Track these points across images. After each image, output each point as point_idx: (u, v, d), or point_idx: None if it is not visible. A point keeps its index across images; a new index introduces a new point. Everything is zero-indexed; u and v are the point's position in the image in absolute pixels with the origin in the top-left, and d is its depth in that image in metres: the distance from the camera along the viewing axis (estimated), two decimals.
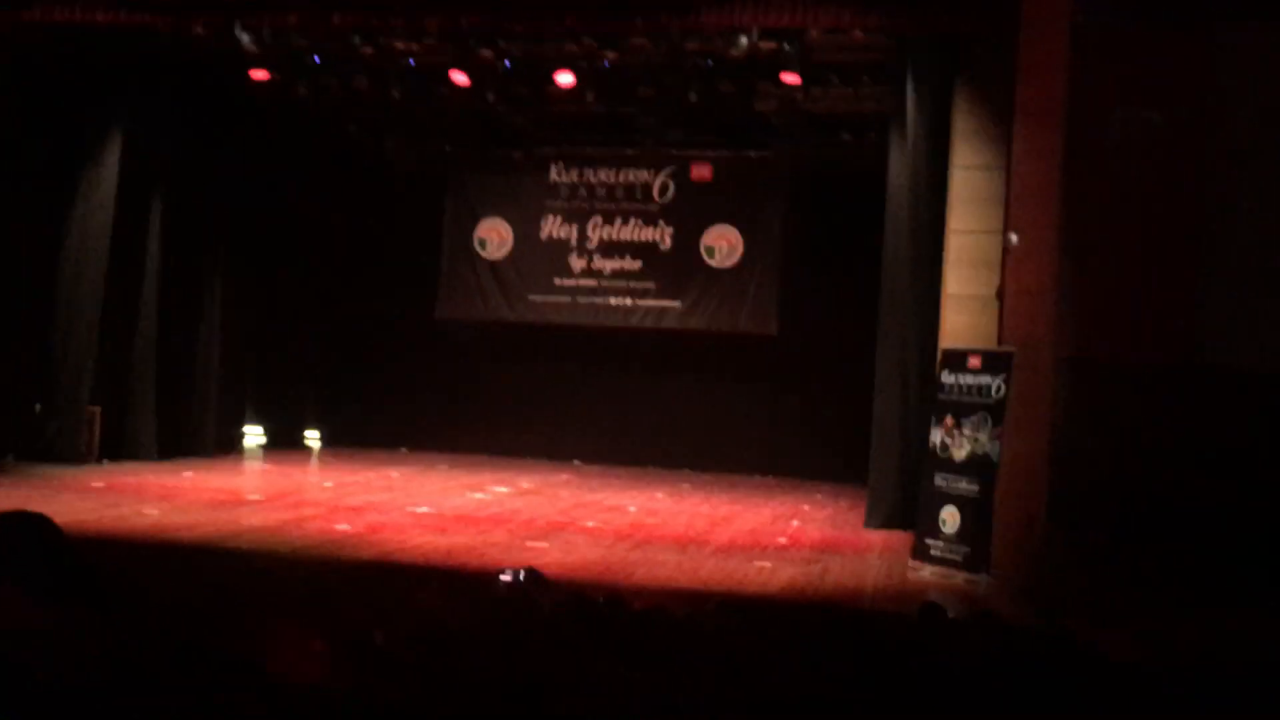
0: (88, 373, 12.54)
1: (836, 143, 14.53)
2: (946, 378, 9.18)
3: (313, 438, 16.86)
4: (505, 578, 5.87)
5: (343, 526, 9.33)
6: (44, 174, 12.51)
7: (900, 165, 11.22)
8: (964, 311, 9.76)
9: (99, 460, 12.62)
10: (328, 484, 12.33)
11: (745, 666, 3.96)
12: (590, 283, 16.15)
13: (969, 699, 2.86)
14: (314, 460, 15.40)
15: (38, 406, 12.54)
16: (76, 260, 12.60)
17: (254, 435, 16.03)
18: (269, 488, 11.94)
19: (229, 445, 14.90)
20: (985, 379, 8.82)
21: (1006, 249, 9.19)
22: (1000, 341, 9.20)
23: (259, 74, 13.39)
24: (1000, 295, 9.39)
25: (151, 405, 13.25)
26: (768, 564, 8.68)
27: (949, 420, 9.02)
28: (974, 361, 8.98)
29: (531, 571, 5.92)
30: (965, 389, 8.96)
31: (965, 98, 10.28)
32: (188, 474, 12.25)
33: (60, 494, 10.18)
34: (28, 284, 12.52)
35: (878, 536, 10.48)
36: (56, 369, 12.51)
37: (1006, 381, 8.64)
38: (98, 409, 12.72)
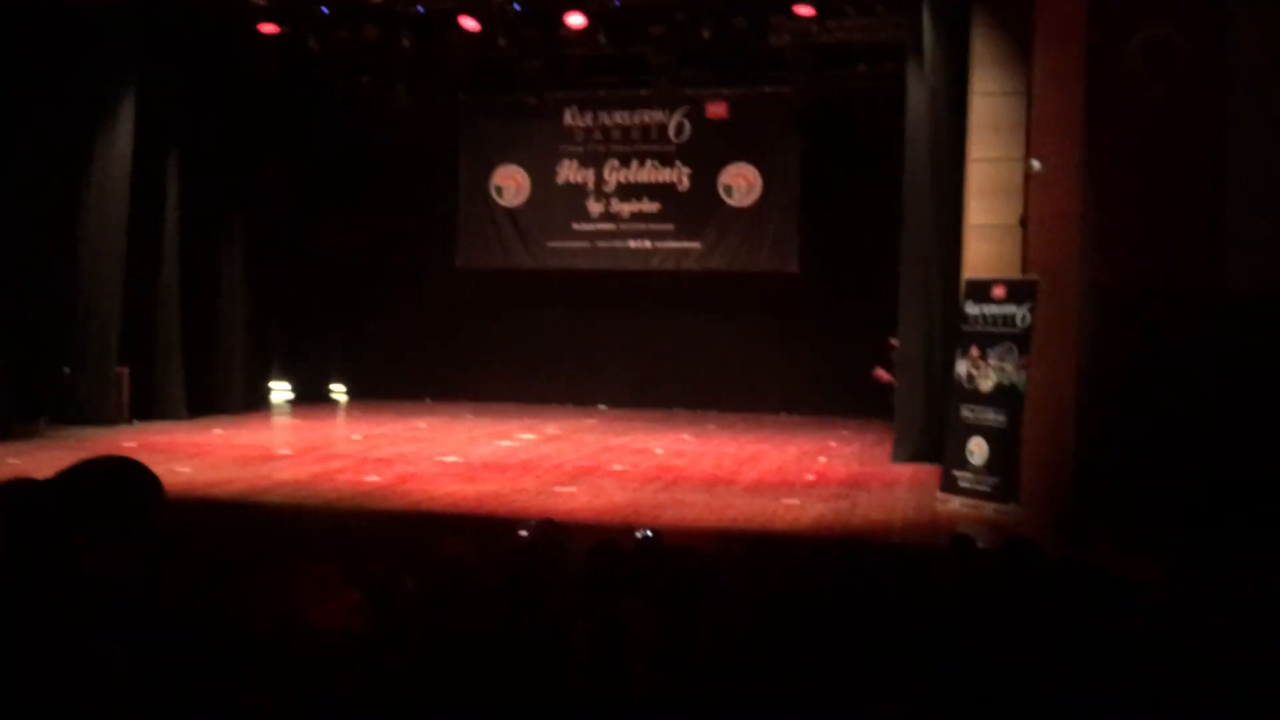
0: (114, 334, 12.63)
1: (853, 75, 14.31)
2: (971, 308, 9.11)
3: (339, 391, 16.96)
4: (524, 533, 5.89)
5: (372, 478, 9.40)
6: (60, 136, 12.52)
7: (919, 94, 11.07)
8: (987, 241, 9.67)
9: (129, 420, 12.75)
10: (356, 436, 12.42)
11: (776, 602, 3.98)
12: (609, 226, 16.08)
13: (1000, 629, 2.86)
14: (341, 413, 15.50)
15: (66, 369, 12.65)
16: (97, 222, 12.64)
17: (281, 391, 16.14)
18: (298, 442, 12.04)
19: (256, 401, 15.02)
20: (1010, 308, 8.75)
21: (1029, 176, 9.07)
22: (1024, 270, 9.12)
23: (268, 27, 13.29)
24: (1024, 223, 9.29)
25: (179, 364, 13.37)
26: (796, 501, 8.71)
27: (974, 351, 8.97)
28: (998, 291, 8.91)
29: (548, 525, 5.94)
30: (990, 319, 8.90)
31: (983, 23, 10.10)
32: (217, 431, 12.37)
33: (93, 454, 10.27)
34: (51, 247, 12.57)
35: (905, 470, 10.48)
36: (83, 331, 12.60)
37: (1031, 310, 8.58)
38: (126, 369, 12.83)
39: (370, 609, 3.84)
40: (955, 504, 8.83)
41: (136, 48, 12.66)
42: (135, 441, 11.30)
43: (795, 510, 8.35)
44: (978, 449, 8.83)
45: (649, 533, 4.94)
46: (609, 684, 2.76)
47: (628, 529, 6.83)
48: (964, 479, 8.92)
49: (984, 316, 8.96)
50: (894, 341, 9.11)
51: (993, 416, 8.76)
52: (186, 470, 9.54)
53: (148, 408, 13.05)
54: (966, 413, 8.99)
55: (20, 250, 12.39)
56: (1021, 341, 8.62)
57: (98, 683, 1.24)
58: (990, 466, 8.73)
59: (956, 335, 9.46)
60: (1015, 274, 9.14)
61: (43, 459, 9.95)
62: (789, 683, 2.98)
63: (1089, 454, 8.18)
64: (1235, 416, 7.85)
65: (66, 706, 1.22)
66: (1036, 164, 8.94)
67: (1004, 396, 8.68)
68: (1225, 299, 8.04)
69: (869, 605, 3.46)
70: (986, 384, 8.85)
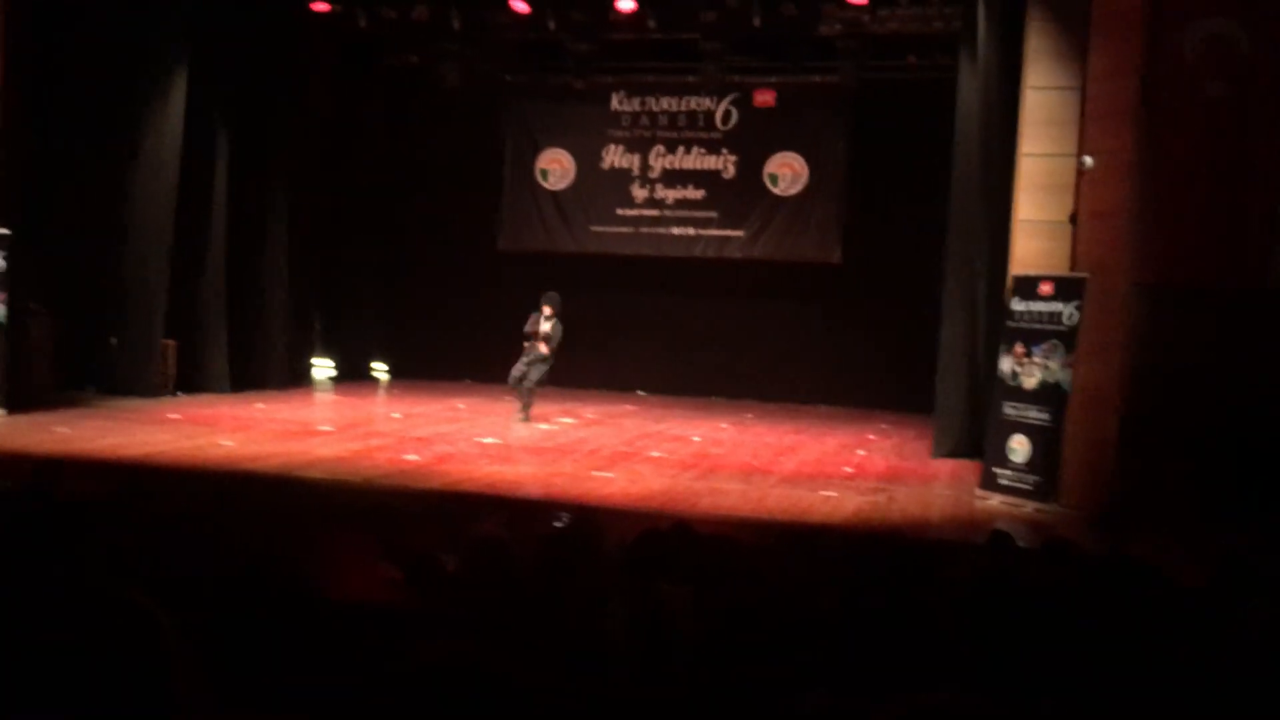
0: (161, 306, 12.76)
1: (903, 66, 14.21)
2: (1017, 304, 9.02)
3: (380, 369, 17.07)
4: (559, 524, 5.92)
5: (411, 457, 9.46)
6: (111, 107, 12.65)
7: (970, 87, 10.94)
8: (1035, 237, 9.55)
9: (173, 392, 12.90)
10: (396, 415, 12.50)
11: (809, 593, 3.97)
12: (653, 212, 16.05)
13: (1038, 627, 2.83)
14: (381, 392, 15.61)
15: (113, 340, 12.82)
16: (146, 195, 12.76)
17: (323, 367, 16.27)
18: (339, 419, 12.13)
19: (298, 378, 15.15)
20: (1057, 305, 8.65)
21: (1080, 172, 8.95)
22: (1073, 267, 9.01)
23: (319, 5, 13.35)
24: (1074, 219, 9.18)
25: (223, 338, 13.50)
26: (833, 493, 8.67)
27: (1019, 348, 8.88)
28: (1045, 288, 8.81)
29: (584, 516, 5.97)
30: (1036, 316, 8.80)
31: (1039, 16, 9.95)
32: (259, 406, 12.49)
33: (139, 425, 10.43)
34: (101, 219, 12.73)
35: (944, 466, 10.41)
36: (131, 303, 12.74)
37: (1079, 308, 8.47)
38: (172, 342, 12.97)
39: (407, 585, 3.87)
40: (995, 501, 8.75)
41: (189, 23, 12.76)
42: (179, 414, 11.43)
43: (832, 502, 8.31)
44: (1019, 446, 8.75)
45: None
46: (647, 669, 2.76)
47: (664, 515, 6.83)
48: (1004, 476, 8.84)
49: (1030, 313, 8.86)
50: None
51: (1036, 414, 8.67)
52: (229, 443, 9.65)
53: (191, 380, 13.20)
54: (1009, 410, 8.90)
55: (70, 222, 12.57)
56: (1068, 339, 8.51)
57: (147, 653, 1.25)
58: (1032, 464, 8.64)
59: (1001, 331, 9.37)
60: (1064, 271, 9.02)
61: (90, 428, 10.10)
62: (823, 671, 2.97)
63: (1133, 453, 8.09)
64: None
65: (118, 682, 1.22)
66: (1089, 160, 8.82)
67: (1048, 394, 8.59)
68: (1274, 296, 7.91)
69: (905, 596, 3.44)
70: (1031, 381, 8.75)
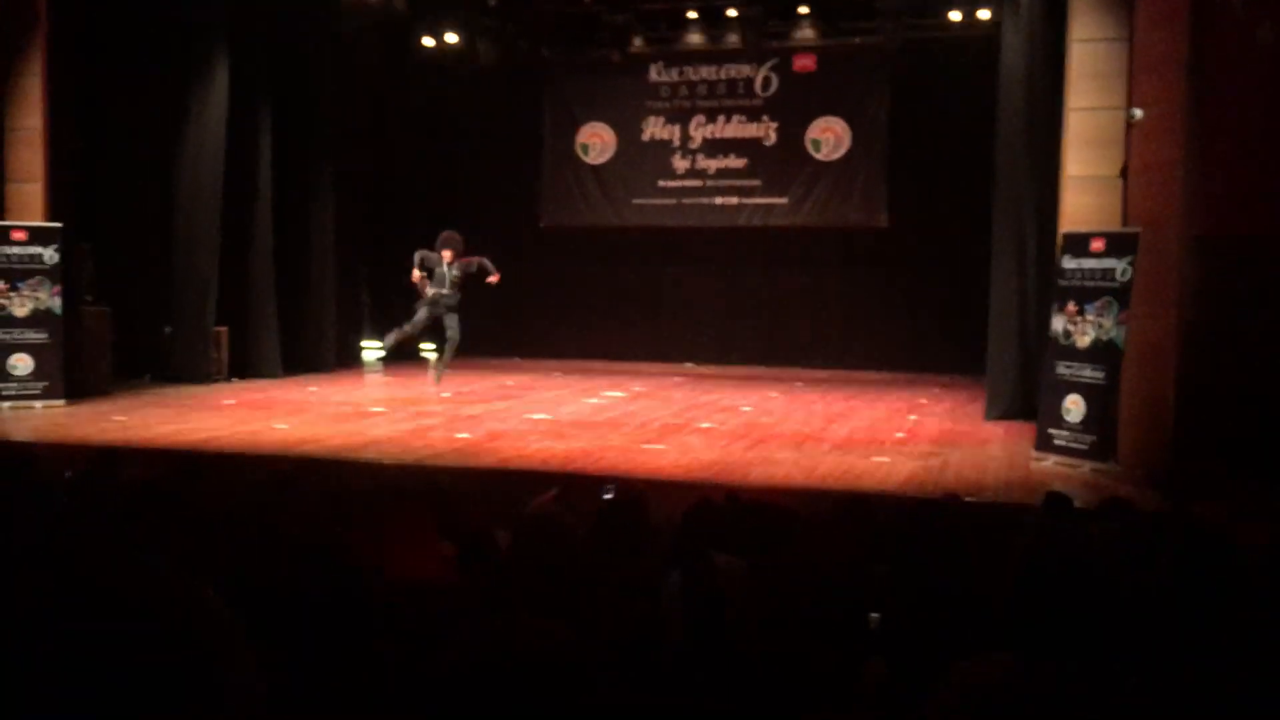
0: (212, 294, 12.92)
1: (944, 24, 13.98)
2: (1068, 262, 8.88)
3: (428, 350, 17.17)
4: (608, 496, 5.93)
5: (463, 435, 9.52)
6: (153, 95, 12.76)
7: (1014, 42, 10.76)
8: (1085, 193, 9.38)
9: (227, 379, 13.08)
10: (446, 394, 12.57)
11: (864, 562, 3.95)
12: (695, 183, 15.97)
13: (1097, 589, 2.79)
14: (431, 371, 15.70)
15: (167, 329, 13.00)
16: (193, 181, 12.88)
17: (372, 349, 16.40)
18: (390, 400, 12.24)
19: (349, 360, 15.30)
20: (1110, 262, 8.51)
21: (1130, 125, 8.77)
22: (1125, 223, 8.85)
23: None
24: (1124, 174, 9.01)
25: (274, 323, 13.65)
26: (886, 459, 8.61)
27: (1071, 306, 8.75)
28: (1097, 244, 8.66)
29: (629, 487, 5.99)
30: (1088, 273, 8.66)
31: None
32: (312, 389, 12.62)
33: (195, 412, 10.59)
34: (150, 209, 12.89)
35: (998, 428, 10.30)
36: (182, 291, 12.91)
37: (1132, 264, 8.33)
38: (224, 329, 13.14)
39: (463, 562, 3.90)
40: (1050, 462, 8.65)
41: (229, 5, 12.81)
42: (234, 399, 11.59)
43: (885, 468, 8.26)
44: (1074, 406, 8.63)
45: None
46: (704, 640, 2.76)
47: (716, 486, 6.83)
48: (1060, 437, 8.73)
49: (1082, 270, 8.72)
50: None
51: (1090, 373, 8.55)
52: (284, 426, 9.77)
53: (244, 366, 13.37)
54: (1063, 369, 8.78)
55: (121, 212, 12.74)
56: (1121, 296, 8.37)
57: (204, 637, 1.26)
58: (1087, 424, 8.53)
59: (1052, 290, 9.23)
60: (1115, 227, 8.86)
61: (147, 416, 10.27)
62: (880, 641, 2.95)
63: (1191, 411, 7.96)
64: None
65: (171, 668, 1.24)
66: (1138, 112, 8.64)
67: (1102, 352, 8.46)
68: None
69: (961, 562, 3.42)
70: (1084, 340, 8.63)
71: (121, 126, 12.65)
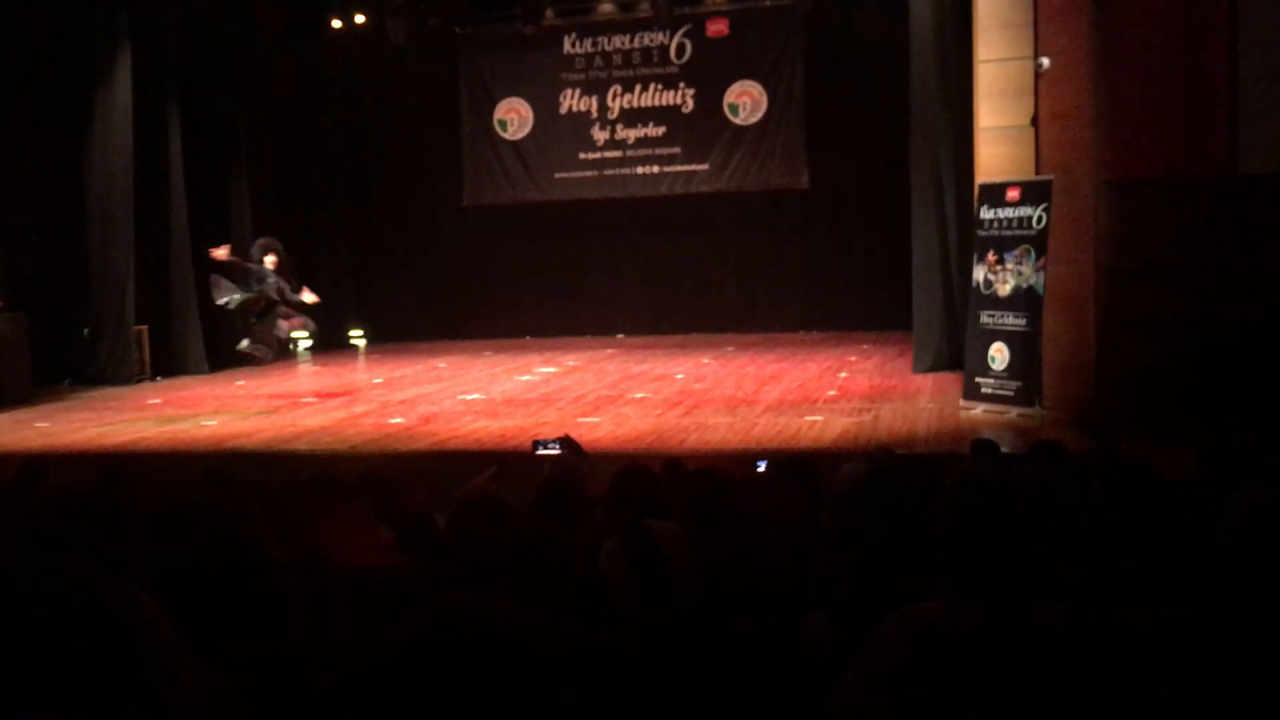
0: (129, 292, 12.62)
1: None
2: (985, 213, 9.02)
3: (357, 336, 17.00)
4: (544, 451, 5.93)
5: (396, 420, 9.45)
6: (59, 92, 12.40)
7: None
8: (999, 143, 9.52)
9: (152, 378, 12.82)
10: (377, 380, 12.47)
11: (801, 520, 4.00)
12: (615, 154, 15.94)
13: (1027, 530, 2.86)
14: (361, 358, 15.55)
15: (85, 331, 12.69)
16: (103, 180, 12.55)
17: (300, 338, 16.17)
18: (321, 389, 12.09)
19: (277, 351, 15.04)
20: (1025, 210, 8.66)
21: (1038, 74, 8.91)
22: (1038, 171, 9.00)
23: None
24: (1035, 123, 9.15)
25: (196, 318, 13.36)
26: (819, 418, 8.72)
27: (991, 256, 8.89)
28: (1012, 193, 8.80)
29: (569, 441, 5.99)
30: (1005, 222, 8.81)
31: None
32: (240, 383, 12.43)
33: (119, 413, 10.37)
34: (61, 210, 12.55)
35: (927, 380, 10.47)
36: (99, 292, 12.60)
37: (1047, 211, 8.48)
38: (145, 328, 12.86)
39: (403, 547, 3.88)
40: (979, 411, 8.82)
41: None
42: (159, 398, 11.37)
43: (819, 426, 8.36)
44: (999, 354, 8.79)
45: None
46: (649, 610, 2.77)
47: (653, 455, 6.86)
48: (986, 385, 8.90)
49: (999, 220, 8.86)
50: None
51: (1013, 320, 8.71)
52: (213, 423, 9.61)
53: (169, 364, 13.11)
54: (986, 319, 8.93)
55: (32, 215, 12.39)
56: (1039, 243, 8.53)
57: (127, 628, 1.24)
58: (1012, 371, 8.70)
59: (972, 241, 9.38)
60: (1029, 175, 9.01)
61: (70, 420, 10.04)
62: (819, 595, 3.00)
63: (1111, 352, 8.14)
64: (1260, 303, 7.78)
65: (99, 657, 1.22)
66: (1045, 61, 8.78)
67: (1023, 299, 8.62)
68: (1243, 184, 7.92)
69: (896, 513, 3.47)
70: (1005, 288, 8.78)
71: (25, 126, 12.28)
